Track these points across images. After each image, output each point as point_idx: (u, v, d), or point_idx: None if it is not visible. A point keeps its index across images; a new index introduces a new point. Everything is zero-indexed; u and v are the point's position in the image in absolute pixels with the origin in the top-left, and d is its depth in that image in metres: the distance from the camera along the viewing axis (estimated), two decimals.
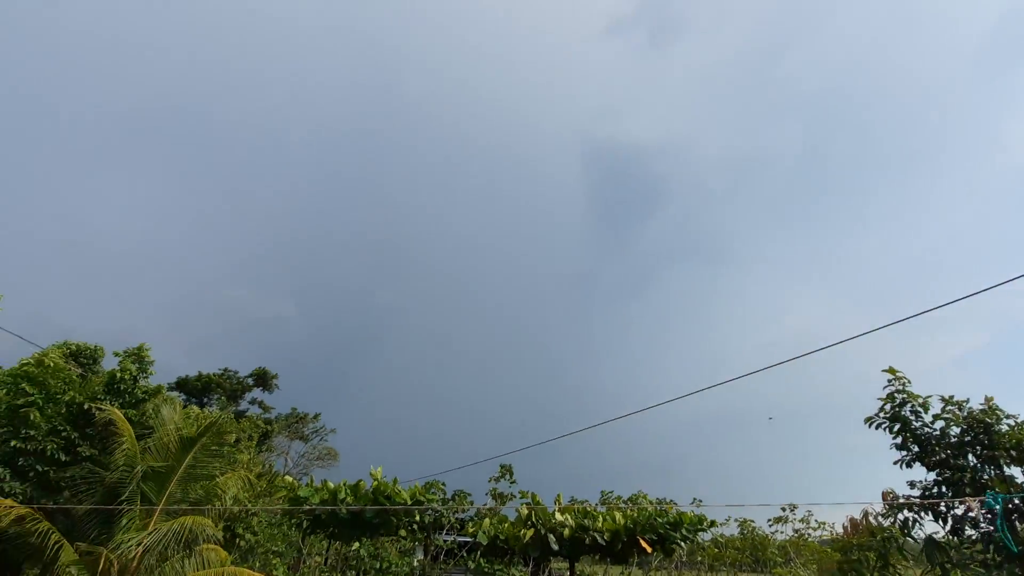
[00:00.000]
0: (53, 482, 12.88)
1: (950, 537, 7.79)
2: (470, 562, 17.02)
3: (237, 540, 16.14)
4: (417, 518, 11.13)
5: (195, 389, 33.03)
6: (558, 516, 10.25)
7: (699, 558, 19.78)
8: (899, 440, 8.58)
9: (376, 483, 10.12)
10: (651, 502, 14.81)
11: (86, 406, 13.59)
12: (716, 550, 19.35)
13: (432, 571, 16.47)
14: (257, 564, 15.91)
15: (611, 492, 19.33)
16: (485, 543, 11.55)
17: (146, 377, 15.54)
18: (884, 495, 8.15)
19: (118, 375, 14.57)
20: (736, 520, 19.53)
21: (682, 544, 10.99)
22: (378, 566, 15.44)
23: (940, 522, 7.86)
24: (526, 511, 10.47)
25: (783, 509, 19.79)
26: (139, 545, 11.34)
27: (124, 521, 11.97)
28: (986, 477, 7.31)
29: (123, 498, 12.30)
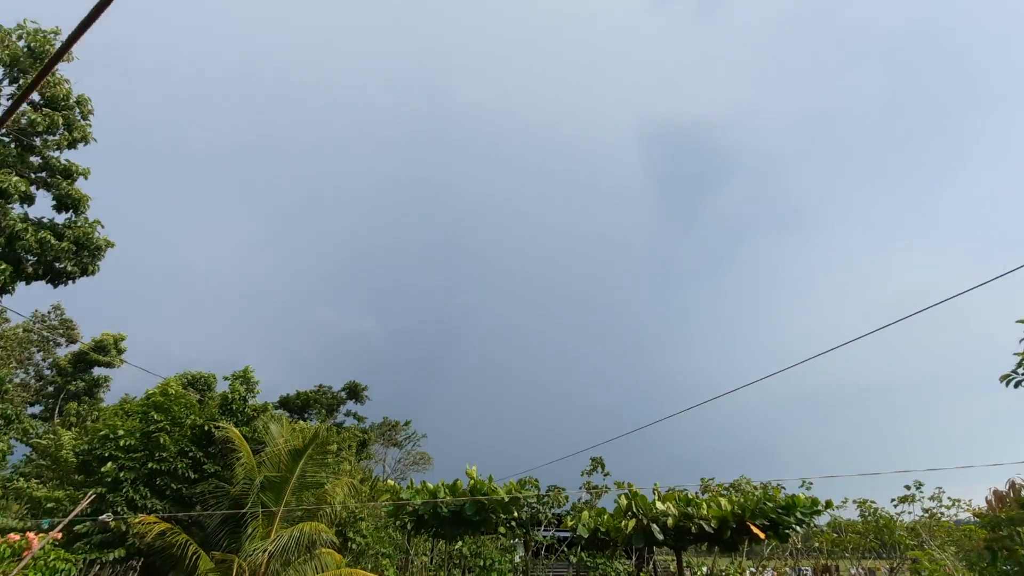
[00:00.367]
0: (186, 498, 14.17)
1: None
2: (571, 557, 16.92)
3: (349, 543, 17.04)
4: (515, 514, 11.18)
5: (296, 406, 35.28)
6: (659, 505, 9.92)
7: (816, 544, 18.51)
8: None
9: (473, 481, 10.26)
10: (755, 487, 14.03)
11: (206, 427, 14.86)
12: (835, 535, 18.01)
13: (534, 568, 16.53)
14: (369, 566, 16.71)
15: (711, 479, 18.54)
16: (586, 536, 11.39)
17: (253, 396, 16.77)
18: None
19: (230, 396, 15.81)
20: (855, 502, 18.10)
21: (797, 529, 10.28)
22: (481, 563, 15.70)
23: None
24: (625, 501, 10.22)
25: (907, 488, 18.08)
26: (265, 552, 12.20)
27: (250, 530, 12.93)
28: None
29: (246, 509, 13.32)
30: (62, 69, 15.79)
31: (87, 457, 14.15)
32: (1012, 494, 7.86)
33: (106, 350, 30.47)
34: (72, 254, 14.61)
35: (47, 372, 33.14)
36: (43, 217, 14.99)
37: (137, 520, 12.31)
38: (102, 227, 15.26)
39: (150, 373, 22.19)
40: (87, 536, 12.94)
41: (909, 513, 17.60)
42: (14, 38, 15.04)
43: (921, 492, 17.52)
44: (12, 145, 15.01)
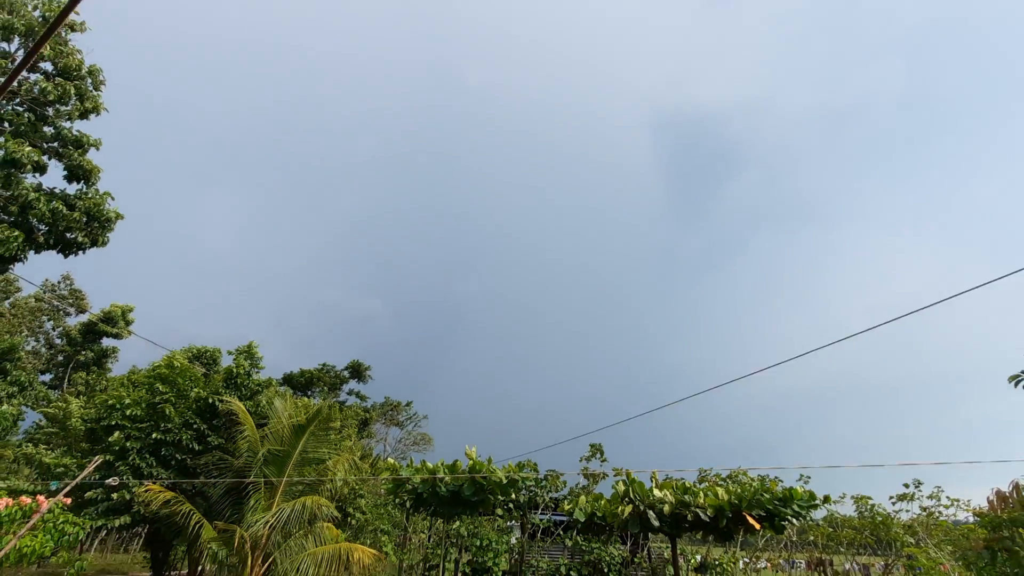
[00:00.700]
0: (190, 469, 14.40)
1: None
2: (567, 540, 17.10)
3: (349, 519, 17.31)
4: (513, 496, 11.30)
5: (299, 384, 35.64)
6: (656, 492, 9.97)
7: (811, 537, 18.60)
8: None
9: (472, 462, 10.34)
10: (752, 479, 14.07)
11: (211, 400, 15.05)
12: (830, 530, 18.08)
13: (530, 549, 16.73)
14: (368, 541, 17.00)
15: (710, 469, 18.62)
16: (582, 520, 11.49)
17: (257, 372, 16.94)
18: None
19: (234, 370, 15.98)
20: (853, 498, 18.12)
21: (793, 521, 10.31)
22: (478, 543, 15.92)
23: None
24: (622, 487, 10.29)
25: (906, 486, 18.06)
26: (267, 524, 12.42)
27: (252, 502, 13.16)
28: None
29: (249, 481, 13.54)
30: (74, 40, 15.76)
31: (94, 426, 14.39)
32: (1015, 495, 7.83)
33: (114, 321, 30.83)
34: (83, 225, 14.70)
35: (57, 341, 33.62)
36: (55, 187, 15.07)
37: (143, 488, 12.54)
38: (112, 199, 15.33)
39: (157, 346, 22.46)
40: (95, 503, 13.21)
41: (907, 511, 17.63)
42: (30, 8, 15.01)
43: (920, 491, 17.51)
44: (26, 115, 15.05)
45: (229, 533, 12.53)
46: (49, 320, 33.85)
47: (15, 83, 14.55)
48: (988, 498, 8.25)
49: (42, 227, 14.39)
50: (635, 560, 16.65)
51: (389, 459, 11.93)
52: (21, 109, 15.12)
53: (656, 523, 9.55)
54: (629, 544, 17.19)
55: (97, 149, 15.61)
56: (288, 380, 35.22)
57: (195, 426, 14.71)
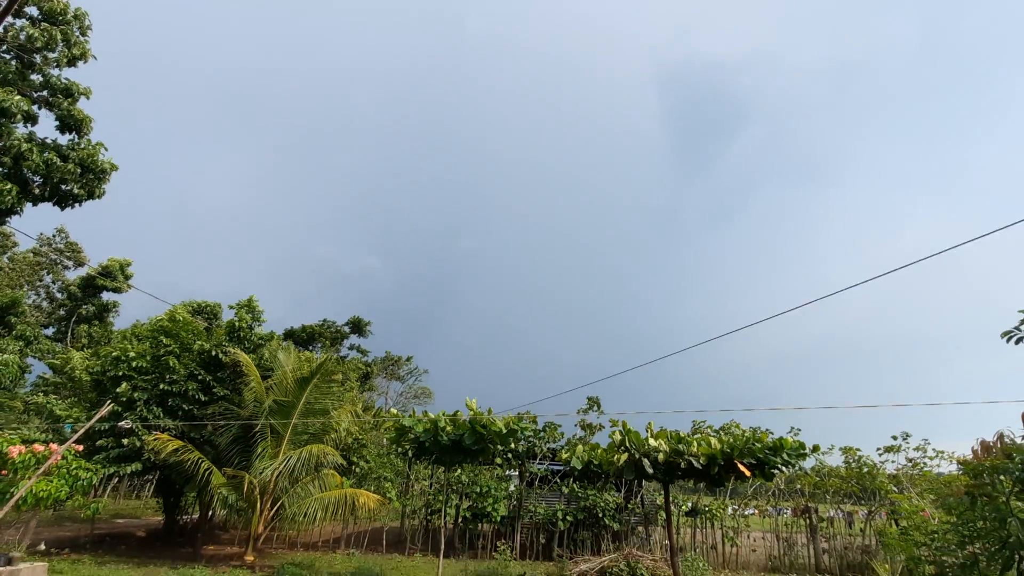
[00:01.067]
0: (197, 418, 14.77)
1: None
2: (564, 488, 17.74)
3: (353, 467, 17.90)
4: (512, 446, 11.67)
5: (301, 339, 36.00)
6: (651, 441, 10.30)
7: (799, 486, 19.32)
8: None
9: (472, 413, 10.60)
10: (744, 430, 14.46)
11: (214, 352, 15.28)
12: (817, 479, 18.76)
13: (528, 496, 17.37)
14: (372, 488, 17.65)
15: (703, 422, 19.14)
16: (579, 468, 11.90)
17: (259, 325, 17.11)
18: None
19: (236, 324, 16.14)
20: (841, 449, 18.73)
21: (783, 469, 10.69)
22: (478, 490, 16.51)
23: None
24: (619, 437, 10.61)
25: (893, 438, 18.63)
26: (274, 471, 12.85)
27: (259, 450, 13.57)
28: None
29: (256, 430, 13.91)
30: None
31: (101, 377, 14.65)
32: (999, 444, 8.08)
33: (113, 275, 30.84)
34: (77, 176, 14.50)
35: (58, 296, 33.75)
36: (47, 138, 14.78)
37: (152, 437, 12.91)
38: (106, 150, 15.06)
39: (158, 300, 22.58)
40: (105, 450, 13.62)
41: (893, 462, 18.23)
42: None
43: (907, 443, 18.05)
44: (12, 63, 14.59)
45: (238, 479, 12.99)
46: (48, 274, 33.87)
47: (0, 29, 14.04)
48: (973, 448, 8.50)
49: (37, 179, 14.20)
50: (629, 506, 17.34)
51: (392, 409, 12.26)
52: (7, 57, 14.65)
53: (650, 470, 9.91)
54: (623, 491, 17.85)
55: (87, 98, 15.22)
56: (290, 335, 35.59)
57: (200, 377, 15.00)
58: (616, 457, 10.28)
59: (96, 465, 12.52)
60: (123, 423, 12.91)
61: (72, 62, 15.14)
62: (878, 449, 18.58)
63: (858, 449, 18.58)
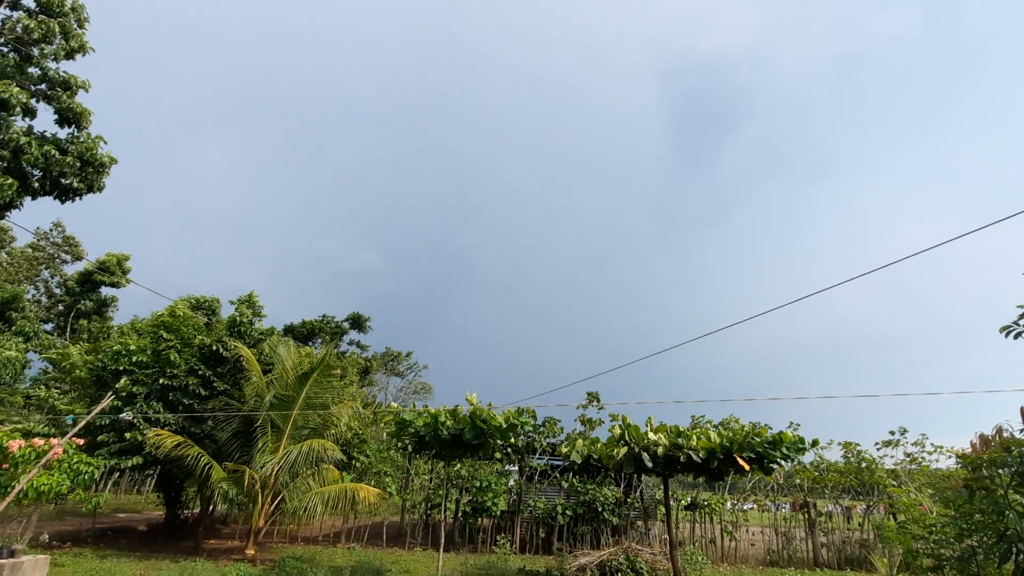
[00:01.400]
0: (198, 413, 14.79)
1: None
2: (563, 482, 17.80)
3: (353, 462, 17.95)
4: (512, 441, 11.68)
5: (301, 334, 36.03)
6: (651, 435, 10.31)
7: (798, 480, 19.40)
8: None
9: (472, 407, 10.61)
10: (743, 425, 14.49)
11: (215, 347, 15.28)
12: (816, 473, 18.83)
13: (527, 491, 17.43)
14: (372, 482, 17.69)
15: (702, 416, 19.19)
16: (579, 462, 11.93)
17: (260, 320, 17.11)
18: (1023, 410, 7.35)
19: (237, 319, 16.13)
20: (840, 444, 18.80)
21: (782, 464, 10.71)
22: (478, 484, 16.56)
23: None
24: (618, 431, 10.62)
25: (891, 432, 18.71)
26: (275, 466, 12.88)
27: (260, 444, 13.60)
28: None
29: (256, 425, 13.93)
30: None
31: (101, 372, 14.65)
32: (998, 438, 8.11)
33: (110, 270, 30.79)
34: (76, 170, 14.46)
35: (56, 291, 33.71)
36: (45, 131, 14.73)
37: (153, 433, 12.93)
38: (105, 143, 15.01)
39: (158, 294, 22.57)
40: (107, 445, 13.64)
41: (891, 457, 18.32)
42: None
43: (905, 437, 18.13)
44: (10, 55, 14.52)
45: (239, 473, 13.02)
46: (47, 269, 33.82)
47: None
48: (971, 441, 8.52)
49: (36, 172, 14.15)
50: (628, 500, 17.40)
51: (392, 404, 12.29)
52: (5, 49, 14.58)
53: (650, 464, 9.93)
54: (623, 485, 17.91)
55: (86, 91, 15.16)
56: (290, 330, 35.61)
57: (200, 372, 15.00)
58: (615, 451, 10.30)
59: (97, 459, 12.53)
60: (123, 415, 12.93)
61: (70, 55, 15.07)
62: (876, 444, 18.68)
63: (857, 444, 18.67)
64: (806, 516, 17.55)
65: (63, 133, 14.85)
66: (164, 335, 15.16)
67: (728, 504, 18.49)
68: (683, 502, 17.80)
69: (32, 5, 14.84)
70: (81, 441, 12.15)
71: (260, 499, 13.19)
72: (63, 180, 14.41)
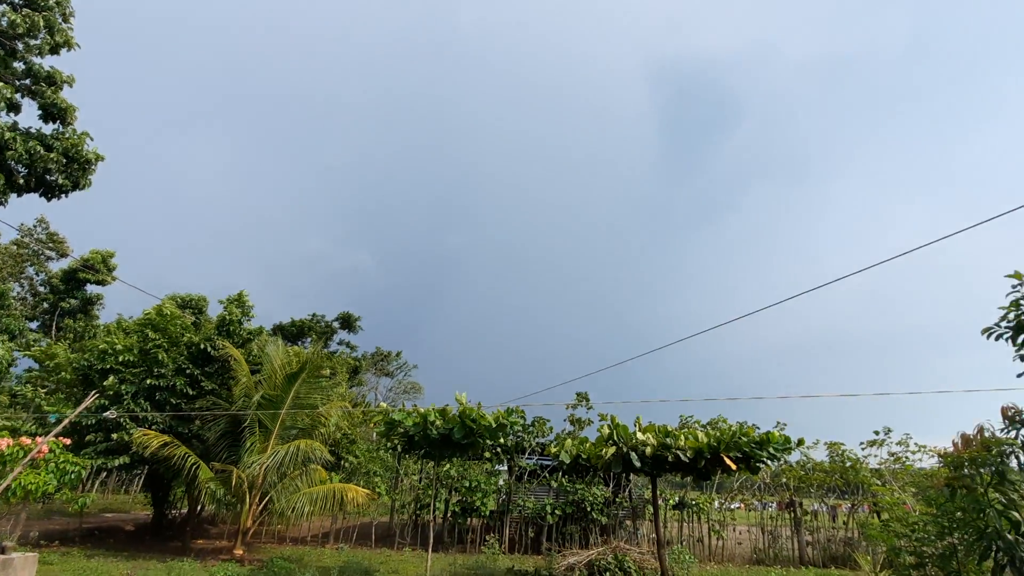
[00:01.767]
0: (185, 413, 14.68)
1: None
2: (552, 482, 17.86)
3: (342, 462, 17.89)
4: (501, 441, 11.70)
5: (290, 334, 35.81)
6: (639, 435, 10.39)
7: (784, 480, 19.62)
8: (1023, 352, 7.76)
9: (462, 407, 10.63)
10: (731, 425, 14.63)
11: (203, 346, 15.17)
12: (802, 472, 19.06)
13: (516, 490, 17.46)
14: (361, 483, 17.64)
15: (691, 416, 19.33)
16: (568, 462, 11.98)
17: (248, 320, 17.01)
18: (1003, 410, 7.49)
19: (226, 318, 16.02)
20: (826, 443, 19.03)
21: (769, 463, 10.84)
22: (467, 484, 16.57)
23: None
24: (607, 431, 10.69)
25: (876, 432, 18.96)
26: (262, 465, 12.80)
27: (248, 444, 13.51)
28: None
29: (244, 425, 13.84)
30: None
31: (87, 371, 14.49)
32: (979, 437, 8.26)
33: (95, 268, 30.40)
34: (62, 166, 14.28)
35: (41, 289, 33.24)
36: (30, 127, 14.53)
37: (140, 433, 12.81)
38: (91, 139, 14.84)
39: (145, 293, 22.33)
40: (94, 444, 13.50)
41: (876, 456, 18.57)
42: None
43: (889, 437, 18.38)
44: None
45: (226, 473, 12.94)
46: (31, 266, 33.33)
47: None
48: (953, 441, 8.66)
49: (21, 169, 13.97)
50: (617, 500, 17.49)
51: (382, 403, 12.24)
52: None
53: (638, 464, 10.00)
54: (612, 485, 18.00)
55: (71, 86, 14.98)
56: (279, 329, 35.38)
57: (188, 372, 14.88)
58: (604, 451, 10.36)
59: (84, 459, 12.41)
60: (110, 412, 12.81)
61: (55, 50, 14.87)
62: (861, 443, 18.92)
63: (842, 443, 18.91)
64: (792, 515, 17.74)
65: (48, 129, 14.67)
66: (151, 334, 15.02)
67: (716, 503, 18.66)
68: (671, 502, 17.93)
69: None
70: (68, 441, 12.02)
71: (248, 499, 13.11)
72: (48, 177, 14.23)
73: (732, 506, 19.55)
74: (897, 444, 18.32)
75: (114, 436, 13.31)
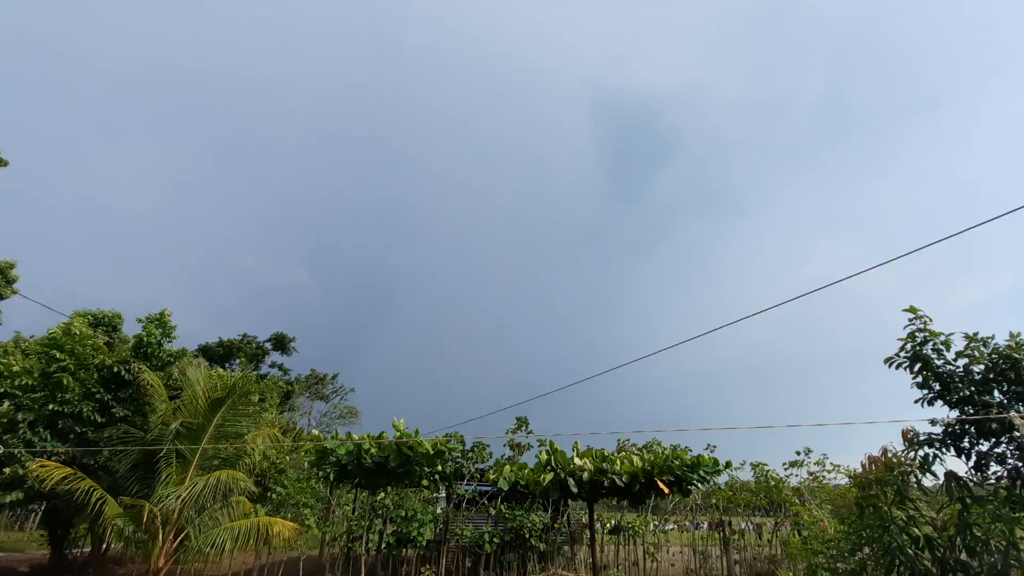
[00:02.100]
0: (92, 442, 13.44)
1: (973, 473, 7.82)
2: (491, 509, 17.62)
3: (269, 494, 16.88)
4: (439, 468, 11.49)
5: (217, 355, 33.79)
6: (577, 461, 10.51)
7: (714, 500, 20.31)
8: (920, 379, 8.54)
9: (399, 434, 10.38)
10: (665, 448, 15.11)
11: (116, 369, 14.03)
12: (730, 493, 19.83)
13: (455, 519, 17.10)
14: (289, 515, 16.68)
15: (627, 440, 19.75)
16: (506, 489, 11.90)
17: (170, 341, 15.93)
18: (904, 432, 8.18)
19: (144, 339, 14.93)
20: (751, 464, 19.95)
21: (699, 485, 11.24)
22: (403, 514, 16.05)
23: (963, 458, 7.88)
24: (545, 456, 10.75)
25: (797, 453, 20.11)
26: (179, 498, 11.87)
27: (164, 476, 12.52)
28: (1015, 414, 7.27)
29: (160, 455, 12.83)
30: None
31: None
32: (883, 458, 8.94)
33: None
34: None
35: None
36: None
37: (38, 464, 11.58)
38: None
39: (50, 309, 20.46)
40: None
41: (796, 476, 19.64)
42: None
43: (808, 458, 19.52)
44: None
45: (137, 508, 11.88)
46: None
47: None
48: (862, 462, 9.32)
49: None
50: (555, 526, 17.47)
51: (313, 431, 11.71)
52: None
53: (575, 489, 10.10)
54: (551, 511, 17.98)
55: None
56: (205, 351, 33.30)
57: (98, 396, 13.68)
58: (542, 477, 10.39)
59: None
60: None
61: None
62: (784, 464, 19.98)
63: (766, 464, 19.88)
64: (721, 535, 18.37)
65: None
66: (57, 355, 13.73)
67: (651, 525, 19.03)
68: (608, 526, 18.11)
69: None
70: None
71: (161, 536, 12.07)
72: None
73: (666, 528, 20.00)
74: (816, 464, 19.46)
75: (6, 470, 11.97)
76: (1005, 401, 7.60)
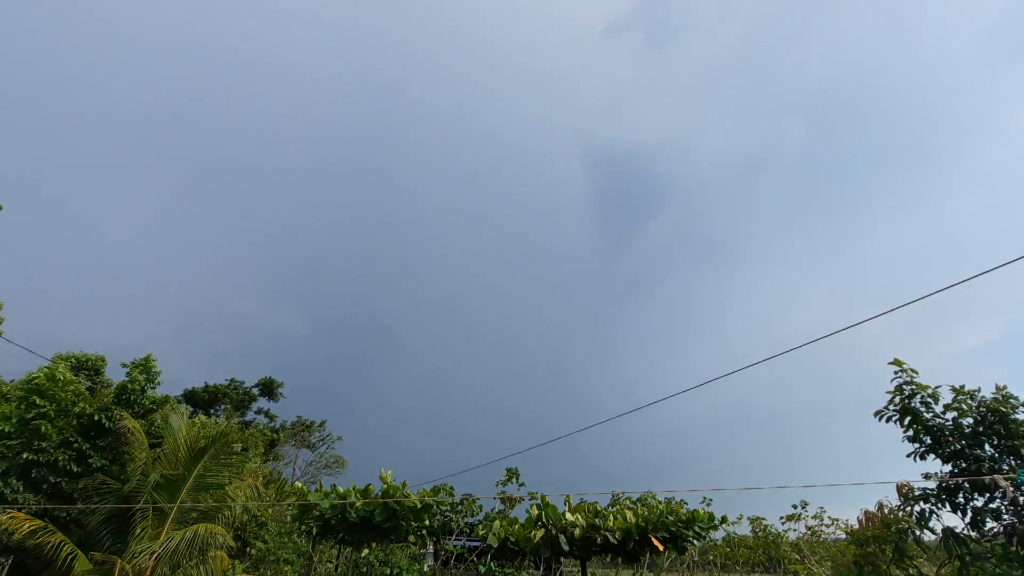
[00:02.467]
0: (66, 493, 12.94)
1: (969, 530, 7.69)
2: (480, 566, 16.93)
3: (248, 549, 16.16)
4: (427, 522, 11.11)
5: (202, 400, 33.09)
6: (568, 516, 10.21)
7: (711, 557, 19.65)
8: (910, 433, 8.51)
9: (385, 486, 10.10)
10: (660, 502, 14.77)
11: (96, 417, 13.68)
12: (728, 549, 19.22)
13: (443, 575, 16.40)
14: (269, 573, 15.93)
15: (622, 493, 19.25)
16: (496, 546, 11.50)
17: (154, 387, 15.63)
18: (899, 487, 8.08)
19: (128, 386, 14.65)
20: (749, 519, 19.43)
21: (695, 542, 10.91)
22: (388, 572, 15.39)
23: (959, 514, 7.76)
24: (536, 511, 10.44)
25: (794, 507, 19.65)
26: (152, 554, 11.36)
27: (138, 530, 12.01)
28: (1005, 468, 7.23)
29: (136, 508, 12.36)
30: None
31: None
32: (880, 514, 8.79)
33: None
34: None
35: None
36: None
37: (7, 516, 11.10)
38: None
39: (33, 353, 20.09)
40: None
41: (794, 530, 19.12)
42: None
43: (806, 511, 19.09)
44: None
45: (108, 565, 11.33)
46: None
47: None
48: (858, 517, 9.15)
49: None
50: None
51: (297, 483, 11.33)
52: None
53: (566, 547, 9.76)
54: (542, 568, 17.29)
55: None
56: (190, 397, 32.62)
57: (76, 445, 13.26)
58: (533, 533, 10.06)
59: None
60: None
61: None
62: (781, 518, 19.49)
63: (763, 519, 19.38)
64: None
65: None
66: (37, 401, 13.39)
67: None
68: None
69: None
70: None
71: None
72: None
73: None
74: (813, 518, 19.01)
75: None
76: (996, 455, 7.57)
